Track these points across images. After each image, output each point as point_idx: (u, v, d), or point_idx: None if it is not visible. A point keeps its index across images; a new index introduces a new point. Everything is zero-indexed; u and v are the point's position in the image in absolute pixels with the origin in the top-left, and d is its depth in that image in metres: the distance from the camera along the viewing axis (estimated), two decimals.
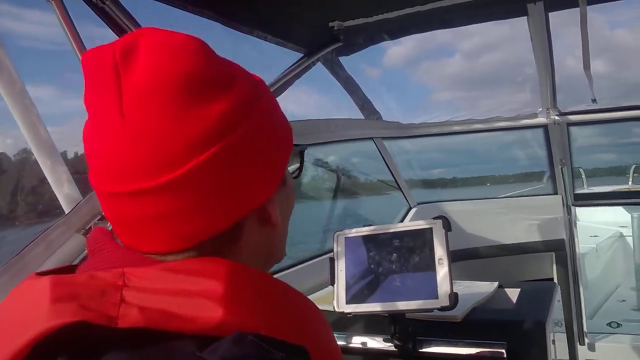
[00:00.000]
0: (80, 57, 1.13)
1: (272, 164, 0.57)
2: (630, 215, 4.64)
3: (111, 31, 1.25)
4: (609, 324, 3.84)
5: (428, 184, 4.34)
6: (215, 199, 0.51)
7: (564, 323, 2.79)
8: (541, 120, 2.75)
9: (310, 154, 2.82)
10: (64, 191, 1.32)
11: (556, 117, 2.70)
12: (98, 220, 1.26)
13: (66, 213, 1.31)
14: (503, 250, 3.06)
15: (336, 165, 3.18)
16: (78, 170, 1.36)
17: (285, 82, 1.92)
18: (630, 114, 2.60)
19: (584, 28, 2.03)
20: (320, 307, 1.60)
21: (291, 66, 1.98)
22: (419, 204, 3.09)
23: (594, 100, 2.51)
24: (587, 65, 2.27)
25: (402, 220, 2.92)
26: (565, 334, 2.42)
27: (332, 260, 1.39)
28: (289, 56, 1.98)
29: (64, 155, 1.36)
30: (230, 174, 0.51)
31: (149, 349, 0.43)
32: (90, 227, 1.22)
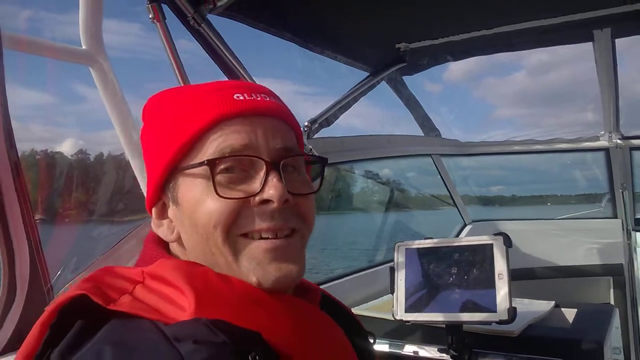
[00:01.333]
0: (178, 73, 1.27)
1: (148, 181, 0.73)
2: None
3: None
4: None
5: (485, 201, 4.30)
6: None
7: (622, 350, 2.73)
8: (603, 143, 2.71)
9: (362, 166, 2.89)
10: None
11: (618, 141, 2.66)
12: None
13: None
14: (559, 272, 3.02)
15: (387, 179, 3.23)
16: None
17: (352, 99, 2.02)
18: None
19: None
20: (380, 315, 1.68)
21: (358, 84, 2.07)
22: (474, 221, 3.10)
23: None
24: None
25: (456, 237, 2.94)
26: (623, 357, 2.36)
27: (392, 269, 1.46)
28: (355, 74, 2.08)
29: None
30: None
31: (124, 325, 0.57)
32: None
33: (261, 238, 0.65)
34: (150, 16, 1.22)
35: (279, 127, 0.69)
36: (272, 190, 0.64)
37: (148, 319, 0.57)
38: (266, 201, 0.64)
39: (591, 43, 2.10)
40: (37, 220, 1.14)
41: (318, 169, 0.79)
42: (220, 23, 1.39)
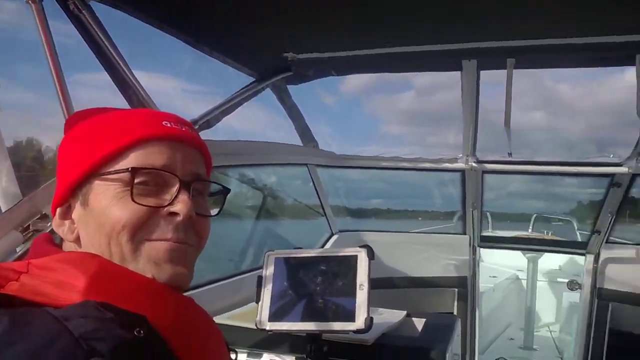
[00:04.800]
0: (50, 60, 1.18)
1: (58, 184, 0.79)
2: (526, 260, 5.08)
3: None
4: None
5: (362, 213, 4.53)
6: None
7: (460, 356, 3.03)
8: (460, 165, 2.97)
9: (240, 172, 2.88)
10: (1, 184, 1.33)
11: (474, 164, 2.93)
12: (37, 219, 1.27)
13: (1, 207, 1.31)
14: (412, 282, 3.27)
15: (263, 184, 3.24)
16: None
17: (235, 103, 2.01)
18: (541, 169, 2.89)
19: (509, 89, 2.27)
20: (243, 324, 1.68)
21: (243, 88, 2.07)
22: (340, 231, 3.23)
23: (509, 154, 2.77)
24: (507, 123, 2.53)
25: (323, 246, 3.05)
26: None
27: (260, 278, 1.47)
28: (241, 79, 2.08)
29: None
30: None
31: (16, 310, 0.59)
32: (28, 226, 1.23)
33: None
34: None
35: (195, 156, 0.81)
36: (181, 205, 0.74)
37: (37, 303, 0.60)
38: (173, 214, 0.74)
39: (460, 72, 2.30)
40: None
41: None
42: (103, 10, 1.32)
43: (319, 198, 3.03)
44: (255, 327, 1.42)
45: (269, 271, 1.46)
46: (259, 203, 3.25)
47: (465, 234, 3.39)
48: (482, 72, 2.29)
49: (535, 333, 4.86)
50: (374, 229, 3.61)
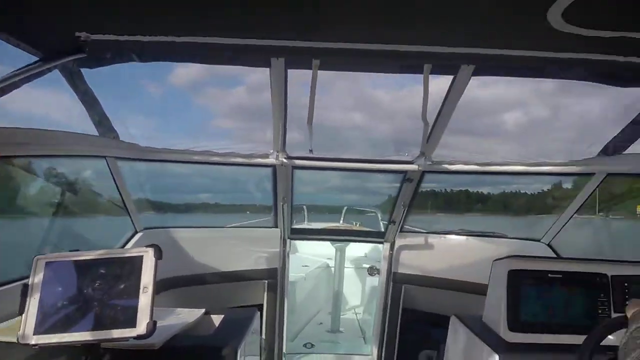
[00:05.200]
0: None
1: None
2: (334, 248, 5.42)
3: None
4: (305, 345, 4.41)
5: (190, 207, 4.38)
6: None
7: (263, 343, 3.11)
8: (271, 160, 3.03)
9: (41, 164, 2.55)
10: None
11: (284, 160, 3.00)
12: None
13: None
14: (224, 277, 3.27)
15: (74, 179, 2.92)
16: None
17: (11, 84, 1.75)
18: (346, 165, 3.07)
19: (313, 89, 2.36)
20: (5, 338, 1.47)
21: (21, 68, 1.80)
22: (146, 228, 3.06)
23: (310, 151, 2.90)
24: (310, 121, 2.63)
25: (124, 245, 2.86)
26: (258, 357, 2.65)
27: (25, 286, 1.31)
28: (21, 57, 1.81)
29: None
30: None
31: None
32: None
33: None
34: None
35: None
36: None
37: None
38: None
39: (269, 69, 2.31)
40: None
41: None
42: None
43: (120, 194, 2.81)
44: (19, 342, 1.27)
45: (37, 278, 1.31)
46: (60, 201, 2.90)
47: (277, 227, 3.49)
48: (298, 72, 2.35)
49: (342, 316, 5.22)
50: (199, 224, 3.53)
